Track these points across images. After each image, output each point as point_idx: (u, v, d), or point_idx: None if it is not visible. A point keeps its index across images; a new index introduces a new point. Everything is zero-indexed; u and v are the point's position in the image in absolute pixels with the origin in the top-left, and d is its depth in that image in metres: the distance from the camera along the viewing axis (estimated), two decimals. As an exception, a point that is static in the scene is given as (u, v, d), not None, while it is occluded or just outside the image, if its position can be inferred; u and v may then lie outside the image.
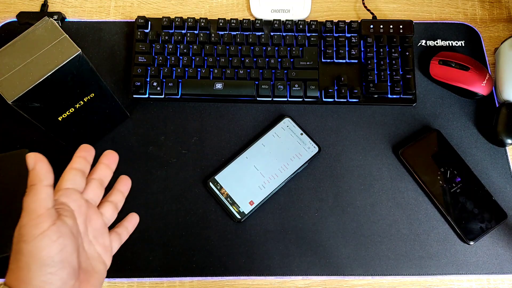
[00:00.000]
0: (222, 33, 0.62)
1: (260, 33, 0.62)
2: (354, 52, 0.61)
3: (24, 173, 0.54)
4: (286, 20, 0.62)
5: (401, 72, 0.60)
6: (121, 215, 0.43)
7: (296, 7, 0.66)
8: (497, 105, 0.61)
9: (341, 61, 0.62)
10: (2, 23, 0.64)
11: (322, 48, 0.62)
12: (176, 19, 0.62)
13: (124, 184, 0.43)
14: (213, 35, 0.61)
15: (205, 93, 0.59)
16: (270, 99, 0.60)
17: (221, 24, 0.62)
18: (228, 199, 0.55)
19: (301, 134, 0.58)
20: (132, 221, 0.44)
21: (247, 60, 0.60)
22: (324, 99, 0.60)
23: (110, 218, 0.41)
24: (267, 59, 0.61)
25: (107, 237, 0.39)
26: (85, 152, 0.39)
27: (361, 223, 0.55)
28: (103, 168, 0.41)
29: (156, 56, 0.60)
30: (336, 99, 0.60)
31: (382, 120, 0.60)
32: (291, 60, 0.61)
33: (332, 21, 0.62)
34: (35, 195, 0.32)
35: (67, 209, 0.35)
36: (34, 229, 0.32)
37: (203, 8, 0.67)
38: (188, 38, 0.61)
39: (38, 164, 0.33)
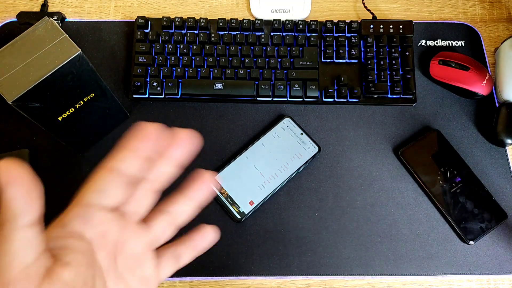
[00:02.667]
0: (222, 33, 0.62)
1: (260, 33, 0.62)
2: (354, 52, 0.61)
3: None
4: (286, 20, 0.62)
5: (401, 72, 0.60)
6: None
7: (296, 7, 0.66)
8: (497, 105, 0.61)
9: (341, 61, 0.62)
10: (2, 23, 0.64)
11: (322, 48, 0.62)
12: (176, 19, 0.62)
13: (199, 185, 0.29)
14: (213, 35, 0.61)
15: (205, 93, 0.59)
16: (270, 99, 0.60)
17: (221, 24, 0.62)
18: (228, 199, 0.55)
19: (301, 134, 0.58)
20: (204, 237, 0.30)
21: (247, 60, 0.60)
22: (324, 99, 0.60)
23: (162, 235, 0.28)
24: (267, 59, 0.61)
25: (149, 265, 0.27)
26: (141, 142, 0.24)
27: (361, 223, 0.55)
28: (164, 163, 0.27)
29: (156, 56, 0.60)
30: (336, 99, 0.60)
31: (382, 120, 0.60)
32: (291, 60, 0.61)
33: (332, 21, 0.62)
34: (4, 243, 0.20)
35: (74, 249, 0.23)
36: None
37: (203, 8, 0.67)
38: (188, 38, 0.61)
39: (9, 186, 0.19)
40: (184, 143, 0.27)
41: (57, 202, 0.56)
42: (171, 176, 0.28)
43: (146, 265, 0.27)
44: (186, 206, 0.28)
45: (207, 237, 0.30)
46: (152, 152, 0.24)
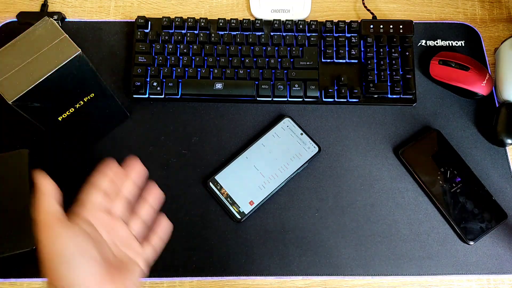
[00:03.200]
0: (222, 33, 0.62)
1: (260, 33, 0.62)
2: (354, 52, 0.61)
3: (24, 173, 0.54)
4: (286, 20, 0.62)
5: (401, 72, 0.60)
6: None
7: (296, 7, 0.66)
8: (497, 105, 0.61)
9: (341, 61, 0.62)
10: (2, 23, 0.64)
11: (322, 48, 0.62)
12: (176, 19, 0.62)
13: (151, 194, 0.44)
14: (213, 35, 0.61)
15: (205, 93, 0.59)
16: (270, 99, 0.60)
17: (221, 24, 0.62)
18: (228, 199, 0.55)
19: (301, 134, 0.58)
20: (161, 227, 0.44)
21: (247, 60, 0.60)
22: (324, 99, 0.60)
23: (138, 230, 0.42)
24: (267, 59, 0.61)
25: (136, 244, 0.40)
26: (111, 172, 0.41)
27: (361, 223, 0.55)
28: (130, 185, 0.42)
29: (156, 56, 0.60)
30: (336, 99, 0.60)
31: (382, 120, 0.60)
32: (291, 60, 0.61)
33: (332, 21, 0.62)
34: (43, 206, 0.36)
35: (86, 221, 0.37)
36: (49, 232, 0.35)
37: (203, 8, 0.67)
38: (188, 38, 0.61)
39: (41, 180, 0.36)
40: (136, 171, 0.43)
41: (57, 202, 0.56)
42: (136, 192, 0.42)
43: (134, 244, 0.40)
44: (147, 208, 0.43)
45: (163, 226, 0.44)
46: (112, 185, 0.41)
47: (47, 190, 0.37)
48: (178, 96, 0.59)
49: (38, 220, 0.35)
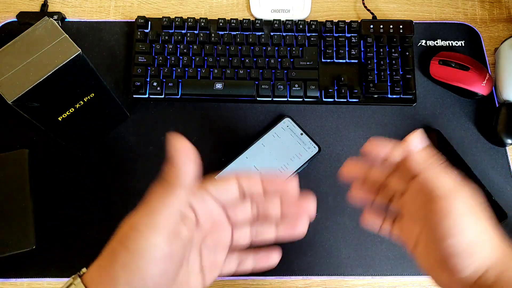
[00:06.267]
0: (222, 33, 0.62)
1: (260, 33, 0.62)
2: (354, 52, 0.61)
3: (24, 173, 0.54)
4: (286, 20, 0.62)
5: (401, 72, 0.60)
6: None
7: (296, 7, 0.66)
8: (497, 105, 0.61)
9: (341, 61, 0.62)
10: (2, 23, 0.64)
11: (322, 48, 0.62)
12: (176, 19, 0.62)
13: (290, 228, 0.35)
14: (213, 35, 0.61)
15: (205, 93, 0.59)
16: (270, 99, 0.60)
17: (221, 24, 0.62)
18: (228, 199, 0.54)
19: (301, 134, 0.58)
20: (268, 258, 0.36)
21: (247, 60, 0.60)
22: (324, 99, 0.60)
23: (243, 243, 0.35)
24: (267, 59, 0.61)
25: (222, 255, 0.35)
26: (268, 181, 0.34)
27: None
28: (274, 201, 0.34)
29: (156, 56, 0.60)
30: (336, 99, 0.60)
31: (382, 120, 0.60)
32: (291, 60, 0.61)
33: (332, 21, 0.62)
34: (167, 198, 0.29)
35: (190, 218, 0.32)
36: (148, 235, 0.28)
37: (203, 8, 0.67)
38: (188, 38, 0.61)
39: (180, 154, 0.29)
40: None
41: (57, 202, 0.56)
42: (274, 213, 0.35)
43: (220, 254, 0.34)
44: (270, 230, 0.35)
45: (270, 258, 0.36)
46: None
47: (185, 174, 0.30)
48: (178, 96, 0.59)
49: (152, 211, 0.29)
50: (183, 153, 0.30)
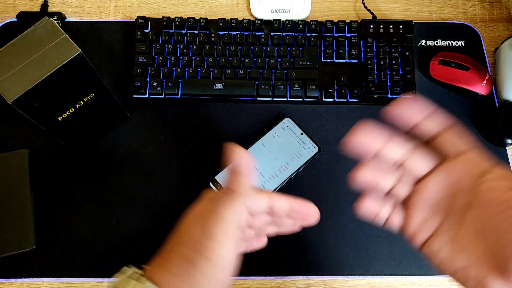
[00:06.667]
0: (222, 33, 0.62)
1: (260, 33, 0.62)
2: (354, 52, 0.61)
3: (24, 173, 0.54)
4: (286, 20, 0.62)
5: (401, 72, 0.60)
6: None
7: (296, 7, 0.66)
8: (497, 105, 0.61)
9: (341, 61, 0.62)
10: (2, 23, 0.64)
11: (322, 48, 0.62)
12: (176, 19, 0.62)
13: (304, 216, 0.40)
14: (213, 35, 0.61)
15: (205, 93, 0.59)
16: (270, 99, 0.60)
17: (221, 24, 0.62)
18: (228, 199, 0.54)
19: (301, 134, 0.58)
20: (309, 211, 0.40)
21: (247, 60, 0.60)
22: (324, 99, 0.60)
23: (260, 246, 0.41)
24: (267, 59, 0.61)
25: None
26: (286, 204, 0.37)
27: (361, 223, 0.55)
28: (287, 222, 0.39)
29: (156, 56, 0.60)
30: (336, 99, 0.60)
31: (382, 120, 0.60)
32: (291, 60, 0.61)
33: (332, 21, 0.62)
34: (235, 208, 0.32)
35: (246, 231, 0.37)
36: (226, 245, 0.31)
37: (203, 8, 0.67)
38: (188, 38, 0.61)
39: (244, 168, 0.32)
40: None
41: (57, 202, 0.56)
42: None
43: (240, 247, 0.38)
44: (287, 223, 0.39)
45: (311, 212, 0.39)
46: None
47: (245, 188, 0.33)
48: (178, 96, 0.59)
49: (223, 221, 0.32)
50: (246, 164, 0.33)
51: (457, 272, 0.29)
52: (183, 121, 0.60)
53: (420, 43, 0.64)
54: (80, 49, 0.43)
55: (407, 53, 0.61)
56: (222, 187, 0.55)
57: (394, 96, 0.60)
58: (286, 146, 0.57)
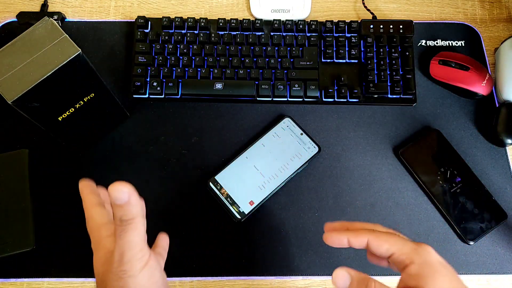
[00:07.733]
0: (222, 33, 0.62)
1: (260, 33, 0.62)
2: (354, 52, 0.61)
3: (24, 173, 0.54)
4: (286, 20, 0.62)
5: (401, 72, 0.60)
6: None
7: (296, 7, 0.66)
8: (497, 105, 0.61)
9: (341, 61, 0.62)
10: (2, 23, 0.64)
11: (322, 48, 0.62)
12: (176, 19, 0.62)
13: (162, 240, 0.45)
14: (213, 35, 0.61)
15: (205, 93, 0.59)
16: (270, 99, 0.60)
17: (221, 24, 0.62)
18: (228, 199, 0.55)
19: (301, 134, 0.58)
20: (164, 240, 0.45)
21: (247, 60, 0.60)
22: (324, 99, 0.60)
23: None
24: (267, 59, 0.61)
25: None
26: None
27: (361, 223, 0.55)
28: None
29: (156, 56, 0.60)
30: (336, 99, 0.60)
31: (382, 120, 0.60)
32: (291, 60, 0.61)
33: (332, 21, 0.62)
34: (137, 229, 0.33)
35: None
36: (139, 262, 0.33)
37: (203, 8, 0.67)
38: (188, 38, 0.61)
39: (133, 197, 0.33)
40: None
41: (57, 202, 0.56)
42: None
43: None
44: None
45: (165, 239, 0.44)
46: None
47: (141, 210, 0.35)
48: (178, 96, 0.59)
49: (129, 244, 0.34)
50: (134, 195, 0.34)
51: None
52: (183, 121, 0.60)
53: (420, 43, 0.64)
54: (80, 49, 0.43)
55: (407, 53, 0.61)
56: (222, 187, 0.55)
57: (394, 96, 0.60)
58: (286, 146, 0.57)
